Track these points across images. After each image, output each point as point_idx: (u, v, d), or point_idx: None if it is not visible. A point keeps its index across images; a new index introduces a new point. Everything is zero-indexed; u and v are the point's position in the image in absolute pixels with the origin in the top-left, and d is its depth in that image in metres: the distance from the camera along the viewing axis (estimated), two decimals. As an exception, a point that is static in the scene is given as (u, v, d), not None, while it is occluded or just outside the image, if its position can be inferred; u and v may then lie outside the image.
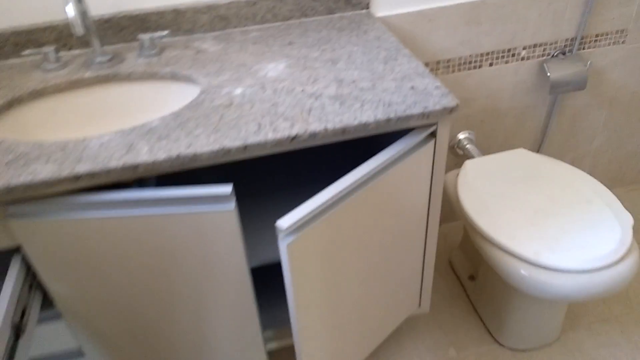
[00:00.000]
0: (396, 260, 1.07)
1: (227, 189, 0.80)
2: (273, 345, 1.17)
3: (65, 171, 0.77)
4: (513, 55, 1.43)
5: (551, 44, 1.44)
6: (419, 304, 1.25)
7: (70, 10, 0.92)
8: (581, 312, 1.48)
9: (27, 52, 1.06)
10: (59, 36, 1.11)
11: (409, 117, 0.86)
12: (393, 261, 1.06)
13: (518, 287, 1.16)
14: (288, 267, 0.82)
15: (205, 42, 1.15)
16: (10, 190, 0.76)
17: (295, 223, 0.78)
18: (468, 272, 1.57)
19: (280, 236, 0.79)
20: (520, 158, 1.40)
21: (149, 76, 1.06)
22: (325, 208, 0.83)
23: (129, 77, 1.06)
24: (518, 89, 1.51)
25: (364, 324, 1.10)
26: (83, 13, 0.96)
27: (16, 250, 0.90)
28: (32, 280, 0.92)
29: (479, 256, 1.47)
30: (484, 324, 1.47)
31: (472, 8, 1.31)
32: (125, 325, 0.99)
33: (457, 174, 1.39)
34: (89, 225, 0.82)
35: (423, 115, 0.86)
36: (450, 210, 1.76)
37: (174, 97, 1.05)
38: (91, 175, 0.78)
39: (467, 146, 1.56)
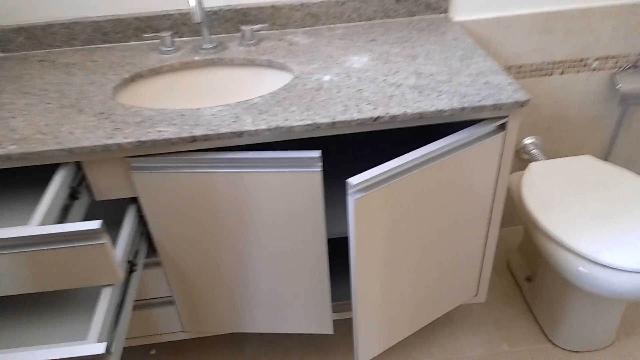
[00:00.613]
0: (457, 243, 1.15)
1: (316, 153, 0.93)
2: (337, 316, 1.28)
3: (185, 132, 0.92)
4: (584, 65, 1.48)
5: (623, 57, 1.48)
6: (476, 293, 1.31)
7: (192, 1, 1.08)
8: (637, 320, 1.49)
9: (147, 35, 1.24)
10: (173, 24, 1.28)
11: (482, 108, 0.95)
12: (454, 244, 1.15)
13: (576, 284, 1.21)
14: (353, 220, 0.93)
15: (297, 36, 1.29)
16: (139, 145, 0.91)
17: (364, 182, 0.90)
18: (525, 273, 1.61)
19: (350, 192, 0.90)
20: (585, 164, 1.44)
21: (249, 62, 1.21)
22: (394, 175, 0.94)
23: (232, 62, 1.21)
24: (587, 99, 1.55)
25: (418, 297, 1.18)
26: (200, 3, 1.12)
27: (132, 200, 1.06)
28: (142, 228, 1.08)
29: (537, 257, 1.51)
30: (538, 324, 1.51)
31: (547, 18, 1.38)
32: (212, 274, 1.13)
33: (522, 176, 1.45)
34: (197, 180, 0.97)
35: (495, 106, 0.95)
36: (510, 215, 1.81)
37: (269, 81, 1.19)
38: (205, 137, 0.92)
39: (533, 151, 1.61)
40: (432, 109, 0.94)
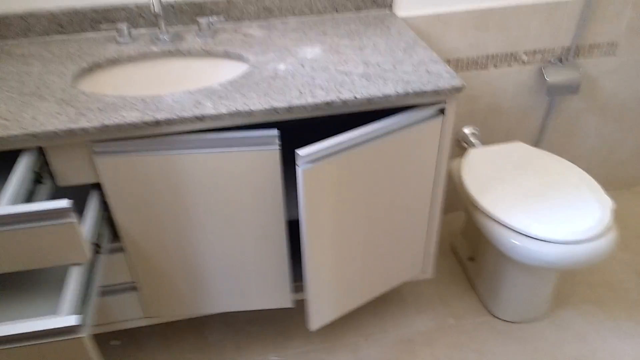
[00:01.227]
0: (403, 221, 1.25)
1: (273, 132, 1.01)
2: (299, 296, 1.35)
3: (148, 117, 0.97)
4: (515, 59, 1.63)
5: (549, 51, 1.63)
6: (423, 270, 1.42)
7: (150, -7, 1.13)
8: (569, 293, 1.65)
9: (104, 26, 1.26)
10: (129, 15, 1.32)
11: (423, 93, 1.05)
12: (400, 221, 1.25)
13: (511, 256, 1.34)
14: (302, 191, 1.02)
15: (251, 29, 1.35)
16: (104, 129, 0.95)
17: (312, 154, 0.99)
18: (468, 254, 1.75)
19: (299, 163, 0.98)
20: (517, 150, 1.59)
21: (206, 53, 1.26)
22: (340, 149, 1.03)
23: (189, 53, 1.26)
24: (519, 91, 1.70)
25: (367, 269, 1.28)
26: (157, -4, 1.17)
27: (94, 187, 1.09)
28: (105, 214, 1.11)
29: (478, 238, 1.64)
30: (481, 299, 1.64)
31: (481, 14, 1.51)
32: (175, 257, 1.17)
33: (461, 161, 1.58)
34: (159, 162, 1.01)
35: (435, 92, 1.05)
36: (453, 201, 1.94)
37: (226, 71, 1.24)
38: (168, 121, 0.97)
39: (472, 139, 1.75)
40: (380, 94, 1.03)
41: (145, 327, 1.56)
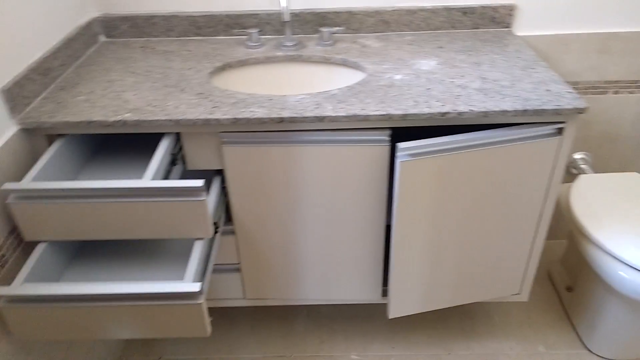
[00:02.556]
0: (504, 235, 1.24)
1: (385, 135, 1.08)
2: (386, 299, 1.38)
3: (274, 114, 1.05)
4: (638, 87, 1.55)
5: (679, 79, 1.54)
6: (519, 292, 1.39)
7: (283, 2, 1.23)
8: (677, 337, 1.53)
9: (236, 31, 1.39)
10: (259, 22, 1.43)
11: (542, 111, 1.04)
12: (501, 235, 1.24)
13: (617, 288, 1.27)
14: (398, 182, 1.07)
15: (369, 40, 1.42)
16: (235, 121, 1.05)
17: (412, 148, 1.04)
18: (566, 283, 1.67)
19: (398, 154, 1.03)
20: (633, 180, 1.51)
21: (325, 60, 1.34)
22: (443, 150, 1.06)
23: (310, 60, 1.35)
24: (639, 119, 1.61)
25: (459, 275, 1.29)
26: (288, 5, 1.26)
27: (217, 173, 1.20)
28: (223, 198, 1.21)
29: (580, 267, 1.57)
30: (576, 331, 1.57)
31: (605, 38, 1.46)
32: (279, 244, 1.26)
33: (570, 187, 1.53)
34: (277, 153, 1.10)
35: (555, 111, 1.05)
36: (554, 228, 1.87)
37: (343, 78, 1.31)
38: (291, 119, 1.05)
39: (582, 166, 1.68)
40: (497, 108, 1.04)
41: (238, 308, 1.66)
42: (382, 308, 1.66)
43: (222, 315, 1.64)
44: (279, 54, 1.35)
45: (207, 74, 1.24)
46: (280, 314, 1.65)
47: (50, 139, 1.11)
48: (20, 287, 0.91)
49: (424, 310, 1.35)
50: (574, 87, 1.53)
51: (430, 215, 1.15)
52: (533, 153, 1.11)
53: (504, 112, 1.04)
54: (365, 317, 1.63)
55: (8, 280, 0.99)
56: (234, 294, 1.37)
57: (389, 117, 1.05)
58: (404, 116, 1.05)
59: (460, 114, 1.04)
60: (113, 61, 1.33)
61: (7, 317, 0.92)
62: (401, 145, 1.03)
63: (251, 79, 1.34)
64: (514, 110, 1.04)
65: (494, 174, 1.12)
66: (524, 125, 1.09)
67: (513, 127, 1.08)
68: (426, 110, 1.05)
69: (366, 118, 1.05)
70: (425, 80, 1.17)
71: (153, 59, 1.33)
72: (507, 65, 1.24)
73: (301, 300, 1.37)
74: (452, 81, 1.16)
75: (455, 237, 1.21)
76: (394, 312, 1.31)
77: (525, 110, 1.04)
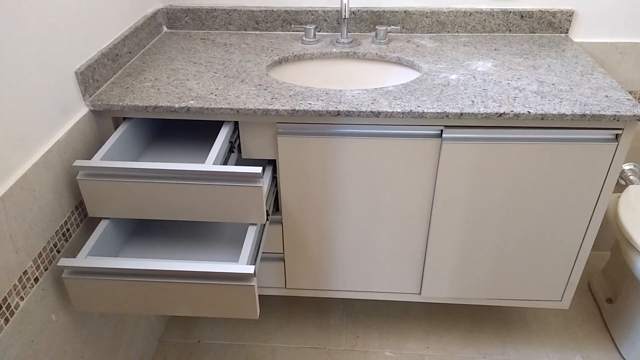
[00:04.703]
0: (551, 239, 1.24)
1: (437, 130, 1.10)
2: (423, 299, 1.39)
3: (331, 107, 1.08)
4: (698, 98, 1.51)
5: None
6: (560, 299, 1.38)
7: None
8: None
9: (295, 26, 1.42)
10: (315, 19, 1.46)
11: (601, 116, 1.04)
12: (547, 238, 1.23)
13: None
14: (441, 162, 1.13)
15: (423, 40, 1.43)
16: (293, 113, 1.08)
17: (459, 131, 1.10)
18: (607, 295, 1.65)
19: (445, 137, 1.10)
20: (686, 193, 1.47)
21: (379, 58, 1.36)
22: (491, 138, 1.10)
23: (364, 57, 1.37)
24: (696, 132, 1.57)
25: (495, 269, 1.31)
26: (348, 3, 1.29)
27: (269, 163, 1.23)
28: (273, 188, 1.25)
29: (623, 279, 1.55)
30: (615, 344, 1.54)
31: (665, 47, 1.43)
32: (324, 236, 1.28)
33: (619, 197, 1.50)
34: (330, 144, 1.13)
35: (614, 117, 1.04)
36: (596, 239, 1.84)
37: (397, 76, 1.33)
38: (348, 113, 1.07)
39: (631, 177, 1.65)
40: (555, 111, 1.04)
41: (276, 298, 1.69)
42: (417, 307, 1.67)
43: (260, 304, 1.68)
44: (335, 50, 1.38)
45: (265, 67, 1.27)
46: (316, 306, 1.68)
47: (116, 121, 1.16)
48: (85, 259, 0.96)
49: (458, 298, 1.36)
50: (630, 96, 1.50)
51: (470, 202, 1.19)
52: (588, 156, 1.11)
53: (562, 115, 1.04)
54: (400, 316, 1.65)
55: (71, 254, 1.05)
56: (275, 283, 1.41)
57: (445, 115, 1.06)
58: (460, 115, 1.06)
59: (517, 115, 1.05)
60: (176, 51, 1.38)
61: (70, 287, 0.97)
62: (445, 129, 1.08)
63: (306, 73, 1.37)
64: (572, 114, 1.04)
65: (545, 172, 1.13)
66: (580, 129, 1.09)
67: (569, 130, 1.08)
68: (483, 110, 1.06)
69: (422, 115, 1.07)
70: (481, 81, 1.18)
71: (213, 51, 1.38)
72: (565, 70, 1.23)
73: (339, 292, 1.39)
74: (509, 83, 1.17)
75: (496, 230, 1.23)
76: (427, 292, 1.34)
77: (584, 115, 1.04)
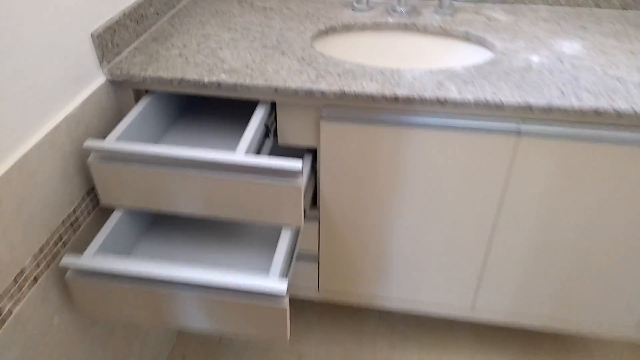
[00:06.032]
0: (635, 261, 1.04)
1: (514, 124, 0.92)
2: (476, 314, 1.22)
3: (388, 91, 0.90)
4: None
5: None
6: (636, 332, 1.19)
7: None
8: None
9: (344, -9, 1.22)
10: (369, -17, 1.26)
11: None
12: (630, 260, 1.04)
13: None
14: (508, 160, 0.94)
15: (495, 12, 1.22)
16: (342, 95, 0.90)
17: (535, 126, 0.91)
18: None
19: (522, 129, 0.91)
20: None
21: (443, 32, 1.16)
22: (574, 135, 0.90)
23: (425, 30, 1.17)
24: None
25: (562, 294, 1.12)
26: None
27: (308, 152, 1.07)
28: (312, 182, 1.08)
29: None
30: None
31: None
32: (364, 238, 1.12)
33: None
34: (384, 134, 0.95)
35: None
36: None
37: (465, 54, 1.13)
38: (407, 99, 0.89)
39: None
40: (668, 111, 0.84)
41: (309, 300, 1.55)
42: (464, 321, 1.49)
43: (292, 304, 1.54)
44: (390, 20, 1.18)
45: (309, 37, 1.09)
46: (350, 310, 1.53)
47: (138, 94, 1.01)
48: (92, 259, 0.82)
49: (513, 323, 1.19)
50: None
51: (546, 211, 0.99)
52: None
53: (678, 116, 0.83)
54: (444, 328, 1.48)
55: (79, 247, 0.92)
56: (307, 285, 1.26)
57: (528, 107, 0.87)
58: (548, 109, 0.86)
59: (618, 113, 0.85)
60: (209, 14, 1.21)
61: (73, 290, 0.84)
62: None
63: (357, 47, 1.18)
64: (692, 115, 0.83)
65: (637, 184, 0.93)
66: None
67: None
68: (576, 104, 0.86)
69: (500, 106, 0.88)
70: (570, 66, 0.97)
71: (251, 15, 1.20)
72: (674, 57, 1.01)
73: (379, 300, 1.23)
74: (605, 71, 0.96)
75: (574, 245, 1.03)
76: (480, 309, 1.18)
77: None
